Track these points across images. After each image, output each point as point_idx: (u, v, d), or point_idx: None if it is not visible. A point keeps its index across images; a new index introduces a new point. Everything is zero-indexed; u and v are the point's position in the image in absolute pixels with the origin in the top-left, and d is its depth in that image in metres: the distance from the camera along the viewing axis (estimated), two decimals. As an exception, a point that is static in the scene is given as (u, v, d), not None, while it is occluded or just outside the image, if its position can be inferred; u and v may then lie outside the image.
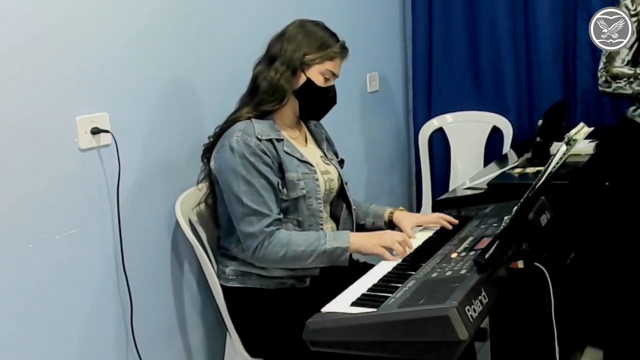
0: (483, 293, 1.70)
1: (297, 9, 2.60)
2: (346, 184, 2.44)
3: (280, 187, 2.21)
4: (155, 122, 2.36)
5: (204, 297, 2.56)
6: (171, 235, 2.42)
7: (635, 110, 2.86)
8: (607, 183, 2.90)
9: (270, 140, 2.21)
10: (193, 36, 2.51)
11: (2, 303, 1.91)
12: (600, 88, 2.88)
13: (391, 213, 2.48)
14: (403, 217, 2.46)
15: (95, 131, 2.12)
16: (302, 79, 2.25)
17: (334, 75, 2.30)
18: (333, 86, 2.32)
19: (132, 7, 2.26)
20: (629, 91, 2.79)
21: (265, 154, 2.18)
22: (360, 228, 2.49)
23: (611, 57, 2.82)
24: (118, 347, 2.25)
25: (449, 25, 3.77)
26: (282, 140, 2.25)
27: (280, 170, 2.22)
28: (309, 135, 2.44)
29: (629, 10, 2.77)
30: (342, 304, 1.81)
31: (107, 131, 2.15)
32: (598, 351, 2.97)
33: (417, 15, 3.84)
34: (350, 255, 2.23)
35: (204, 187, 2.36)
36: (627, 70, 2.80)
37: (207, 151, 2.30)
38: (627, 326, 2.85)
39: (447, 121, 3.86)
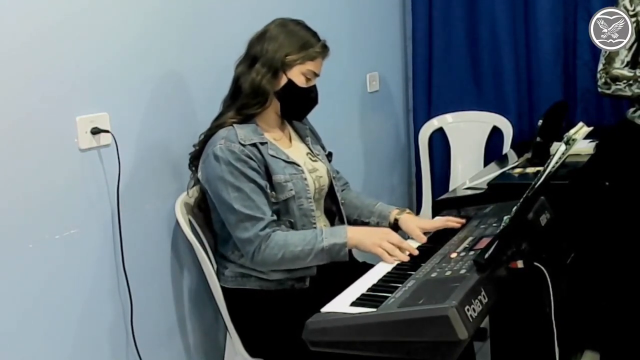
0: (483, 293, 1.69)
1: (297, 8, 2.60)
2: (334, 178, 2.42)
3: (269, 191, 2.19)
4: (155, 122, 2.36)
5: (203, 297, 2.56)
6: (171, 235, 2.42)
7: (635, 111, 2.86)
8: (607, 183, 2.90)
9: (254, 145, 2.19)
10: (193, 35, 2.51)
11: (2, 303, 1.91)
12: (599, 90, 2.87)
13: (397, 216, 2.43)
14: (409, 221, 2.39)
15: (95, 131, 2.12)
16: (284, 80, 2.23)
17: (315, 75, 2.28)
18: (314, 86, 2.30)
19: (133, 7, 2.26)
20: (629, 93, 2.79)
21: (251, 158, 2.16)
22: (365, 225, 2.45)
23: (610, 58, 2.82)
24: (118, 347, 2.26)
25: (449, 25, 3.77)
26: (266, 143, 2.23)
27: (267, 174, 2.20)
28: (293, 134, 2.42)
29: (627, 10, 2.76)
30: (341, 304, 1.81)
31: (107, 131, 2.15)
32: (597, 354, 2.97)
33: (417, 15, 3.84)
34: (351, 252, 2.22)
35: (194, 193, 2.35)
36: (627, 73, 2.79)
37: (194, 159, 2.29)
38: (625, 328, 2.85)
39: (447, 121, 3.85)
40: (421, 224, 2.38)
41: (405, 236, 2.33)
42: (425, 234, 2.31)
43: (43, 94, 2.00)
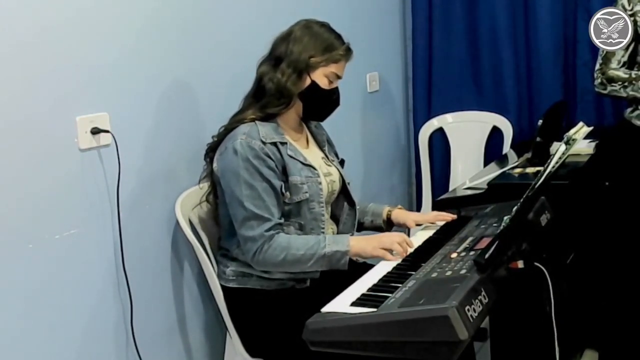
0: (483, 293, 1.70)
1: (298, 9, 2.60)
2: (349, 184, 2.44)
3: (284, 191, 2.20)
4: (155, 122, 2.36)
5: (204, 297, 2.56)
6: (171, 235, 2.42)
7: (632, 111, 2.85)
8: (607, 183, 2.90)
9: (274, 144, 2.20)
10: (193, 36, 2.51)
11: (2, 303, 1.91)
12: (596, 89, 2.88)
13: (389, 211, 2.51)
14: (401, 214, 2.50)
15: (95, 131, 2.12)
16: (307, 82, 2.25)
17: (338, 77, 2.29)
18: (336, 88, 2.32)
19: (132, 7, 2.26)
20: (624, 95, 2.79)
21: (269, 157, 2.17)
22: (359, 226, 2.51)
23: (607, 58, 2.81)
24: (118, 347, 2.26)
25: (449, 25, 3.78)
26: (286, 143, 2.24)
27: (284, 174, 2.21)
28: (310, 137, 2.44)
29: (625, 9, 2.75)
30: (342, 304, 1.81)
31: (107, 131, 2.15)
32: (596, 353, 2.97)
33: (417, 15, 3.84)
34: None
35: (205, 185, 2.36)
36: (622, 74, 2.78)
37: (211, 150, 2.30)
38: (624, 327, 2.85)
39: (447, 121, 3.86)
40: (414, 217, 2.51)
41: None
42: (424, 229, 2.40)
43: (43, 94, 1.99)
